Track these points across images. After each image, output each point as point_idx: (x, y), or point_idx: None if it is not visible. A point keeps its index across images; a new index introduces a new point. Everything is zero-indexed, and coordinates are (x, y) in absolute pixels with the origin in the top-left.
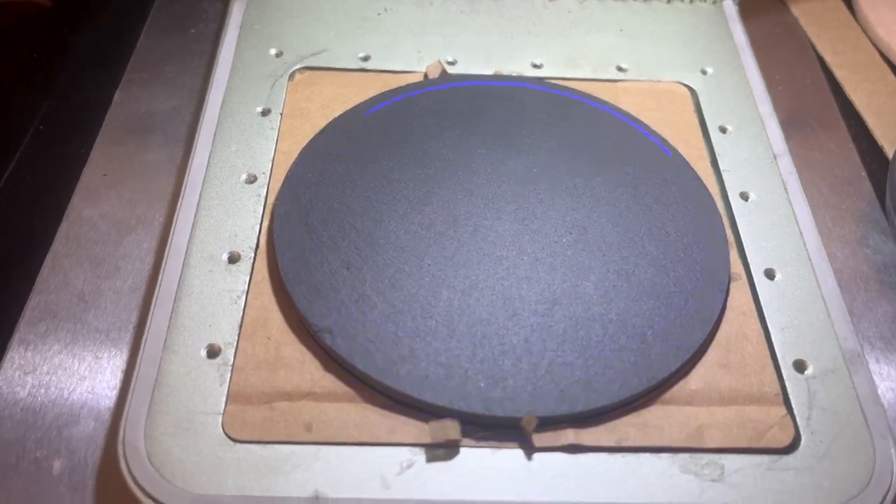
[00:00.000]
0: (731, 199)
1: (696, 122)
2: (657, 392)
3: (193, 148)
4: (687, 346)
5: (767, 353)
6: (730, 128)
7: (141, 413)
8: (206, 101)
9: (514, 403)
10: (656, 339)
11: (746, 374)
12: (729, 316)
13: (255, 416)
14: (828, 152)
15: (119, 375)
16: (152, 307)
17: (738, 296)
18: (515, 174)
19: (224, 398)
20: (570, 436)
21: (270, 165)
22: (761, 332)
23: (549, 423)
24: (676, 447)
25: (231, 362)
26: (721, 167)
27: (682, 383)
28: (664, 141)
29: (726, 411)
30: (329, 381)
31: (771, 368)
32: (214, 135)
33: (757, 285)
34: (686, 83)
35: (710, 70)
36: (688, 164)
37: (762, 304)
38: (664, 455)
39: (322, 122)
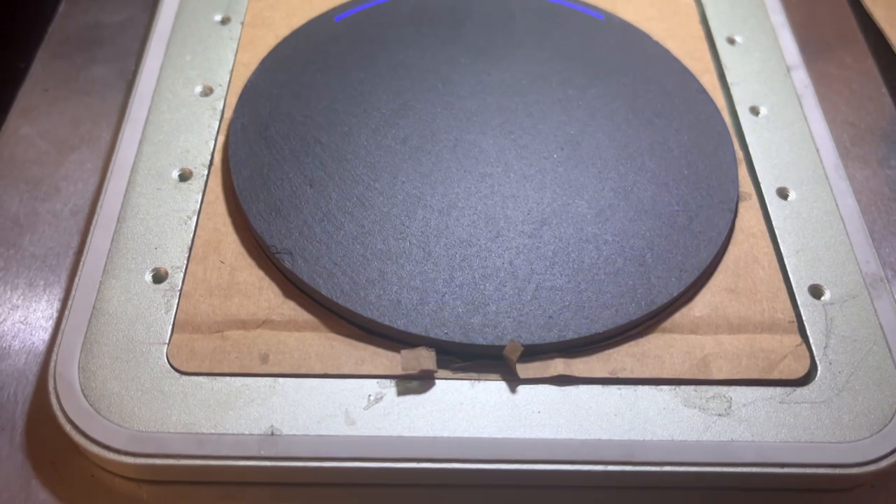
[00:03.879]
0: (739, 113)
1: (701, 32)
2: (657, 319)
3: (143, 57)
4: (691, 268)
5: (780, 277)
6: (738, 39)
7: (75, 343)
8: (159, 7)
9: (496, 330)
10: (657, 261)
11: (757, 299)
12: (738, 237)
13: (204, 345)
14: (845, 67)
15: (56, 305)
16: (92, 228)
17: (748, 216)
18: (502, 86)
19: (170, 326)
20: (558, 366)
21: (228, 77)
22: (773, 254)
23: (536, 352)
24: (679, 379)
25: (179, 288)
26: (729, 80)
27: (685, 310)
28: (666, 52)
29: (735, 340)
30: (289, 309)
31: (784, 294)
32: (168, 44)
33: (769, 205)
34: None
35: None
36: (692, 75)
37: (774, 225)
38: (665, 387)
39: (286, 33)
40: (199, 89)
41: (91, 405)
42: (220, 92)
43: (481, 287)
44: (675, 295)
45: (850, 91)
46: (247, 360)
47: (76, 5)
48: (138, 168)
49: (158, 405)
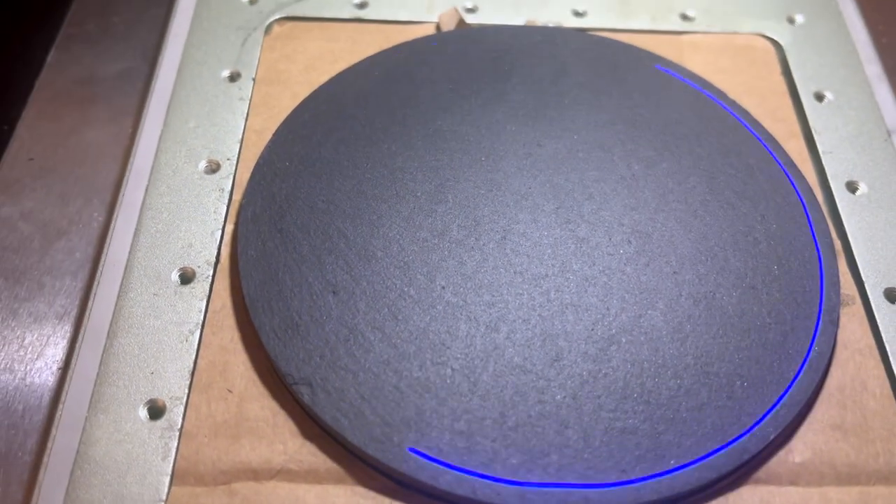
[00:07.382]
0: (834, 190)
1: (784, 87)
2: (748, 467)
3: (140, 125)
4: (790, 402)
5: None
6: (828, 94)
7: (55, 500)
8: (159, 62)
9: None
10: (748, 391)
11: (870, 439)
12: (840, 356)
13: (208, 503)
14: None
15: (31, 446)
16: (77, 346)
17: (852, 326)
18: (556, 160)
19: (168, 478)
20: None
21: (238, 149)
22: (885, 378)
23: None
24: None
25: (179, 426)
26: (819, 148)
27: (782, 453)
28: (745, 113)
29: (844, 495)
30: (309, 454)
31: None
32: (168, 107)
33: (875, 311)
34: (770, 35)
35: (799, 18)
36: (777, 143)
37: (884, 338)
38: None
39: (305, 91)
40: (203, 165)
41: None
42: (228, 167)
43: (539, 430)
44: (772, 436)
45: None
46: None
47: (67, 53)
48: (133, 267)
49: None
